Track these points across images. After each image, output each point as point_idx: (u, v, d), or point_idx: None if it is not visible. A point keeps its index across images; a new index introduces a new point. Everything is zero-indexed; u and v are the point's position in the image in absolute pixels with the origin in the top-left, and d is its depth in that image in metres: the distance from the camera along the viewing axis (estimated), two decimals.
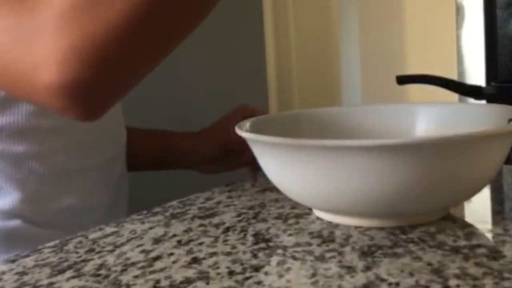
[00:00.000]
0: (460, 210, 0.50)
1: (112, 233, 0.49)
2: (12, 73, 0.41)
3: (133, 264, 0.41)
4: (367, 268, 0.37)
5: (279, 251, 0.42)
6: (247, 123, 0.53)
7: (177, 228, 0.49)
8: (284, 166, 0.45)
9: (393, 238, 0.42)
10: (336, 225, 0.46)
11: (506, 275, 0.35)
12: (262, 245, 0.43)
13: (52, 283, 0.39)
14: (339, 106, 0.62)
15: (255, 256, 0.41)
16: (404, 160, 0.40)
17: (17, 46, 0.40)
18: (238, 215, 0.52)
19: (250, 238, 0.45)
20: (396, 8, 1.71)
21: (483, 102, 0.87)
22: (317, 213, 0.49)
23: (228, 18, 1.60)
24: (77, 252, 0.45)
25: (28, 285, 0.39)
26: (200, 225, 0.49)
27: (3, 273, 0.41)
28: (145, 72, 0.45)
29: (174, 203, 0.58)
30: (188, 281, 0.37)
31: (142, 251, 0.44)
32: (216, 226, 0.49)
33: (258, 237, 0.45)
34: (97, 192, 0.68)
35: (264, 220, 0.50)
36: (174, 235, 0.47)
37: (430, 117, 0.58)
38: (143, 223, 0.52)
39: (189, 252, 0.43)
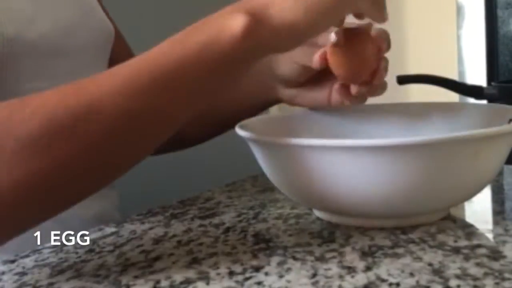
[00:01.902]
0: (460, 210, 0.50)
1: (112, 233, 0.49)
2: None
3: (133, 264, 0.41)
4: (368, 268, 0.37)
5: (279, 251, 0.42)
6: (247, 123, 0.53)
7: (177, 228, 0.49)
8: (284, 166, 0.45)
9: (394, 238, 0.42)
10: (336, 226, 0.46)
11: (506, 275, 0.35)
12: (262, 245, 0.43)
13: (52, 283, 0.39)
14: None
15: (255, 256, 0.41)
16: (404, 160, 0.40)
17: None
18: (238, 215, 0.52)
19: (250, 239, 0.45)
20: (396, 8, 1.71)
21: (484, 102, 0.87)
22: (317, 213, 0.49)
23: None
24: (77, 252, 0.45)
25: (28, 285, 0.39)
26: (200, 226, 0.49)
27: (3, 273, 0.41)
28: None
29: (174, 203, 0.58)
30: (188, 281, 0.37)
31: (142, 251, 0.44)
32: (216, 226, 0.49)
33: (258, 238, 0.45)
34: None
35: (264, 221, 0.50)
36: (174, 235, 0.47)
37: (430, 117, 0.57)
38: (143, 223, 0.51)
39: (189, 252, 0.43)
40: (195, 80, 0.39)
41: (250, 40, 0.39)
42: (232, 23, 0.39)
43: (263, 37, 0.39)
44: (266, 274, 0.38)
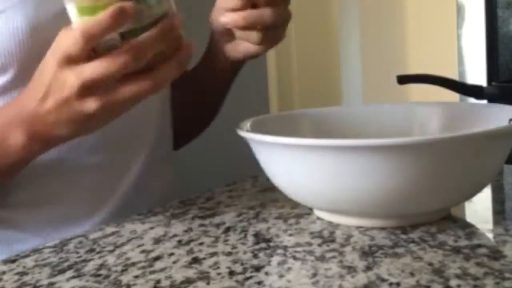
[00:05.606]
0: (461, 210, 0.50)
1: (112, 233, 0.49)
2: None
3: (133, 264, 0.41)
4: (368, 268, 0.37)
5: (280, 251, 0.42)
6: (248, 123, 0.53)
7: (178, 228, 0.49)
8: (284, 166, 0.45)
9: (394, 238, 0.42)
10: (337, 225, 0.46)
11: (507, 275, 0.35)
12: (263, 245, 0.43)
13: (52, 283, 0.39)
14: (339, 106, 0.62)
15: (255, 256, 0.41)
16: (404, 160, 0.40)
17: None
18: (239, 215, 0.52)
19: (250, 238, 0.45)
20: (396, 8, 1.71)
21: (484, 102, 0.87)
22: (318, 213, 0.49)
23: None
24: (77, 252, 0.45)
25: (28, 285, 0.39)
26: (201, 225, 0.49)
27: (3, 273, 0.41)
28: None
29: (174, 203, 0.58)
30: (189, 281, 0.37)
31: (143, 251, 0.44)
32: (217, 226, 0.49)
33: (259, 237, 0.45)
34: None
35: (264, 220, 0.50)
36: (175, 235, 0.47)
37: (430, 117, 0.58)
38: (143, 223, 0.52)
39: (190, 252, 0.43)
40: None
41: (28, 152, 0.49)
42: (11, 141, 0.49)
43: (41, 147, 0.50)
44: (266, 274, 0.38)
